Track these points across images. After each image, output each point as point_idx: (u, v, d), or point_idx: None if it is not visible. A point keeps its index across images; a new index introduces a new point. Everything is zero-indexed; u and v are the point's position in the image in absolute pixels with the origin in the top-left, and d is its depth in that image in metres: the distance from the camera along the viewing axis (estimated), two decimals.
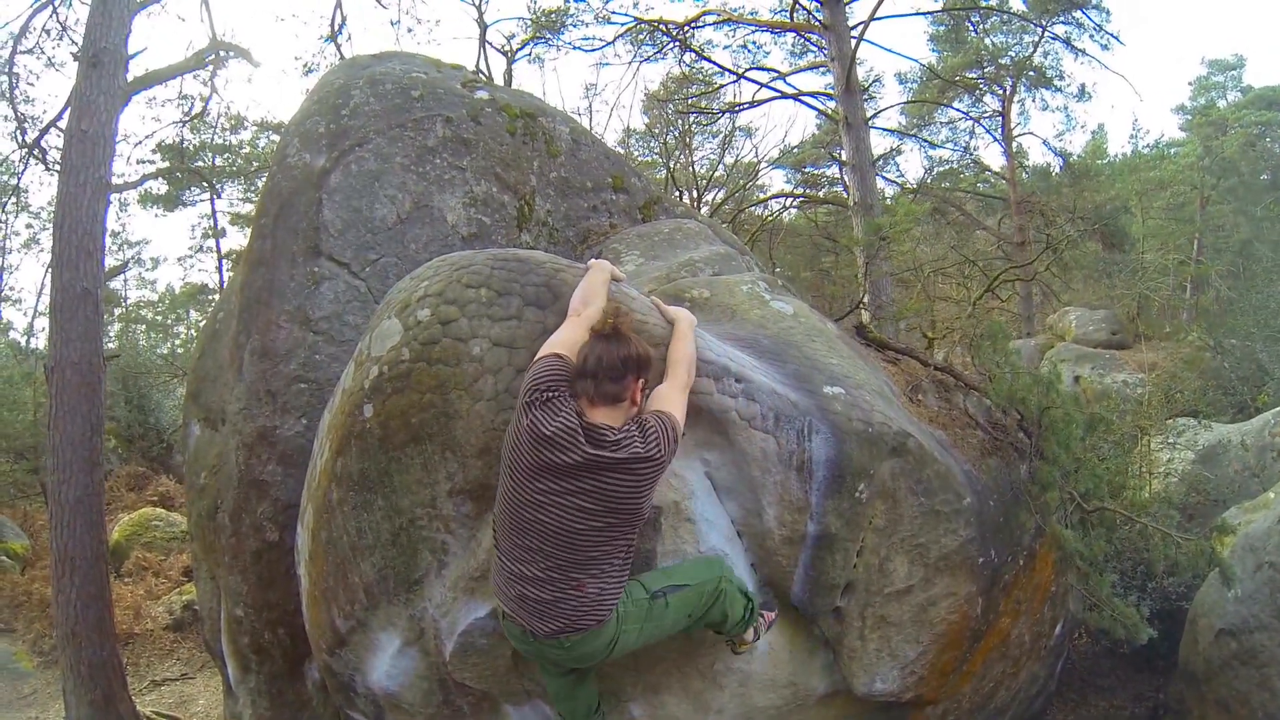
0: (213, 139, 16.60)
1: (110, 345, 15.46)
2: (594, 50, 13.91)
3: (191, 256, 22.72)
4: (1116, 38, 13.37)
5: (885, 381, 3.89)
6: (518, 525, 2.50)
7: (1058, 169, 18.33)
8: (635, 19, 13.18)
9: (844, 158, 12.11)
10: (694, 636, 3.00)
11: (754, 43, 14.13)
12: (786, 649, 3.26)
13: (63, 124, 7.09)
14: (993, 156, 24.15)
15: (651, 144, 18.13)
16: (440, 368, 2.80)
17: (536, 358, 2.59)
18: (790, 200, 17.86)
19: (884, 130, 17.74)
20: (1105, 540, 4.27)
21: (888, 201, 13.92)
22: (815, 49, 13.70)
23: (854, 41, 10.98)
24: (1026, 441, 4.19)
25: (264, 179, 4.40)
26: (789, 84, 13.55)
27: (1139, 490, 5.93)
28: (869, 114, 13.27)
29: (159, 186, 17.58)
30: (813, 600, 3.18)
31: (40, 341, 15.09)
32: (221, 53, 10.92)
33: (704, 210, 13.70)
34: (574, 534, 2.46)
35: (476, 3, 14.27)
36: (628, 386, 2.53)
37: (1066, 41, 14.79)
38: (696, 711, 3.17)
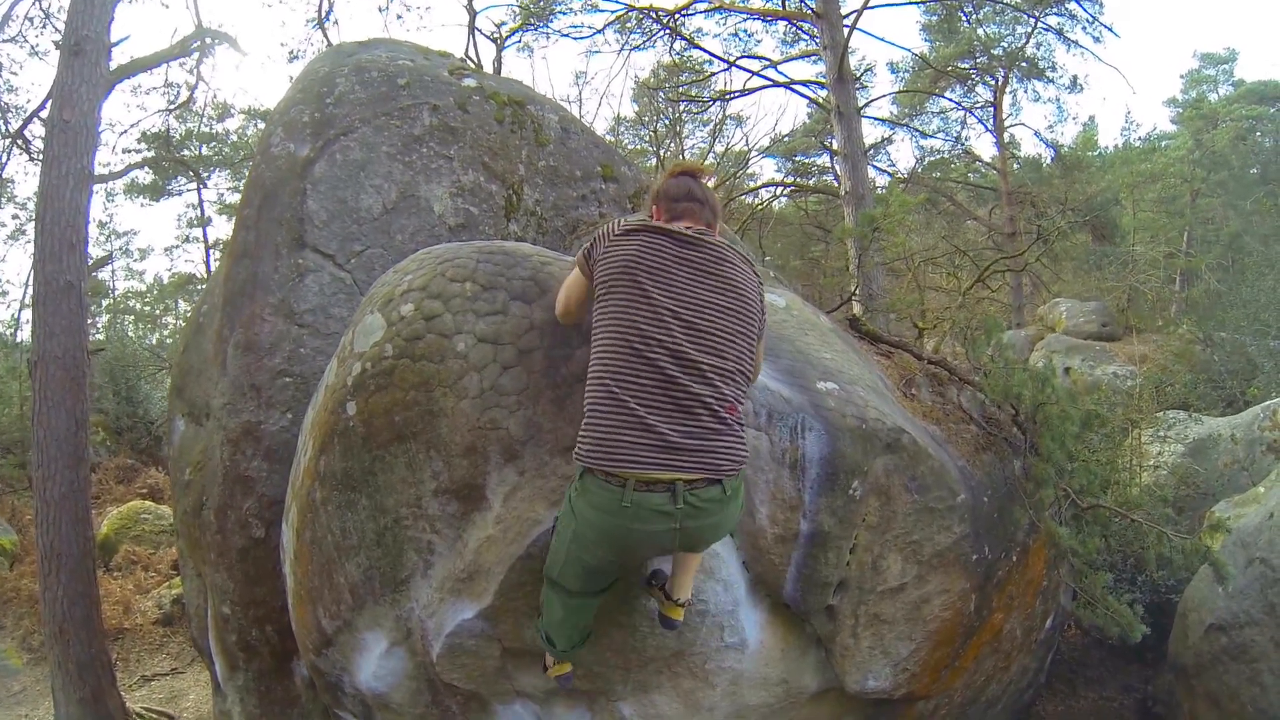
0: (199, 128, 16.44)
1: (98, 337, 15.32)
2: (583, 38, 13.79)
3: (178, 246, 22.62)
4: (1111, 29, 13.34)
5: (879, 376, 3.86)
6: (651, 343, 2.27)
7: (1049, 160, 18.33)
8: (625, 6, 13.03)
9: (835, 147, 12.04)
10: (685, 635, 2.96)
11: (745, 30, 14.04)
12: (779, 647, 3.23)
13: (46, 114, 6.96)
14: (984, 147, 24.16)
15: (641, 132, 18.05)
16: (424, 364, 2.74)
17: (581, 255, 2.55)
18: (781, 189, 17.77)
19: (875, 119, 17.71)
20: (1099, 537, 4.27)
21: (879, 191, 13.89)
22: (807, 37, 13.62)
23: (846, 30, 10.91)
24: (1021, 437, 4.17)
25: (248, 170, 4.33)
26: (780, 72, 13.47)
27: (1129, 485, 5.94)
28: (861, 103, 13.20)
29: (145, 176, 17.41)
30: (805, 598, 3.15)
31: (26, 334, 14.92)
32: (207, 40, 10.79)
33: None
34: (720, 331, 2.33)
35: None
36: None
37: (1059, 32, 14.74)
38: (688, 710, 3.14)
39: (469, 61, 4.98)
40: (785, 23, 13.43)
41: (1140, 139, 24.50)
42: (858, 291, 5.29)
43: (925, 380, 4.24)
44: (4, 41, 10.83)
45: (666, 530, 2.28)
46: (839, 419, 3.10)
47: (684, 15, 13.02)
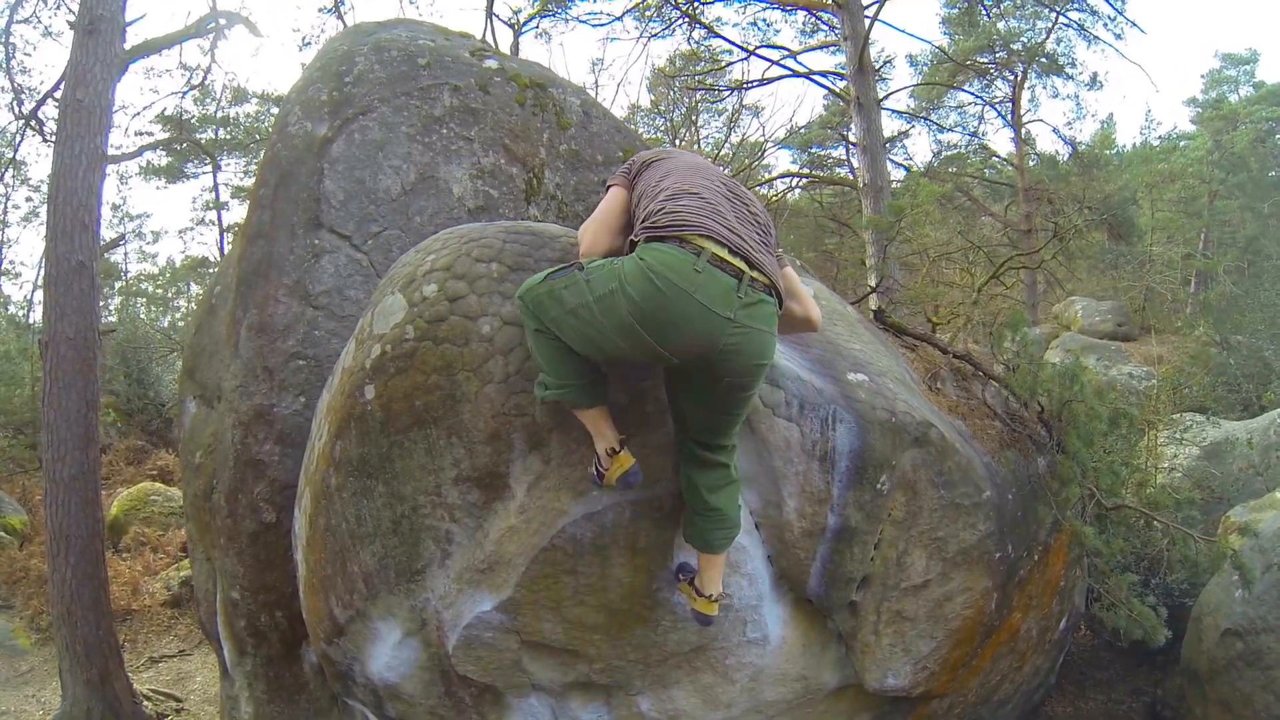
0: (216, 112, 16.40)
1: (110, 319, 15.34)
2: (602, 25, 13.65)
3: (192, 229, 22.66)
4: (1136, 25, 13.08)
5: (906, 368, 3.79)
6: (708, 180, 2.45)
7: (1066, 157, 18.12)
8: None
9: (855, 138, 11.89)
10: (706, 630, 2.91)
11: (764, 20, 13.86)
12: (800, 643, 3.17)
13: (59, 95, 6.92)
14: (1001, 143, 23.95)
15: (657, 121, 17.91)
16: (447, 347, 2.65)
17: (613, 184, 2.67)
18: (797, 180, 17.61)
19: (893, 112, 17.52)
20: (1123, 538, 4.19)
21: (895, 184, 13.73)
22: (826, 28, 13.46)
23: (868, 21, 10.76)
24: (1045, 435, 4.09)
25: (264, 151, 4.27)
26: (800, 63, 13.34)
27: (1146, 486, 5.87)
28: (880, 95, 13.03)
29: (159, 158, 17.39)
30: (829, 594, 3.09)
31: (39, 315, 14.94)
32: (222, 21, 10.72)
33: None
34: (748, 196, 2.51)
35: None
36: None
37: (1080, 28, 14.52)
38: (706, 706, 3.08)
39: (488, 47, 4.91)
40: (805, 12, 13.24)
41: (1159, 138, 24.27)
42: (881, 283, 5.19)
43: (949, 374, 4.16)
44: (18, 23, 10.81)
45: (723, 319, 2.14)
46: (869, 411, 3.02)
47: (703, 3, 12.87)
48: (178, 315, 20.98)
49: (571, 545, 2.70)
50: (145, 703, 6.14)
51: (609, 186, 2.65)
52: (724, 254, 2.18)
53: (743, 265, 2.19)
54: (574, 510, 2.68)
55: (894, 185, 13.35)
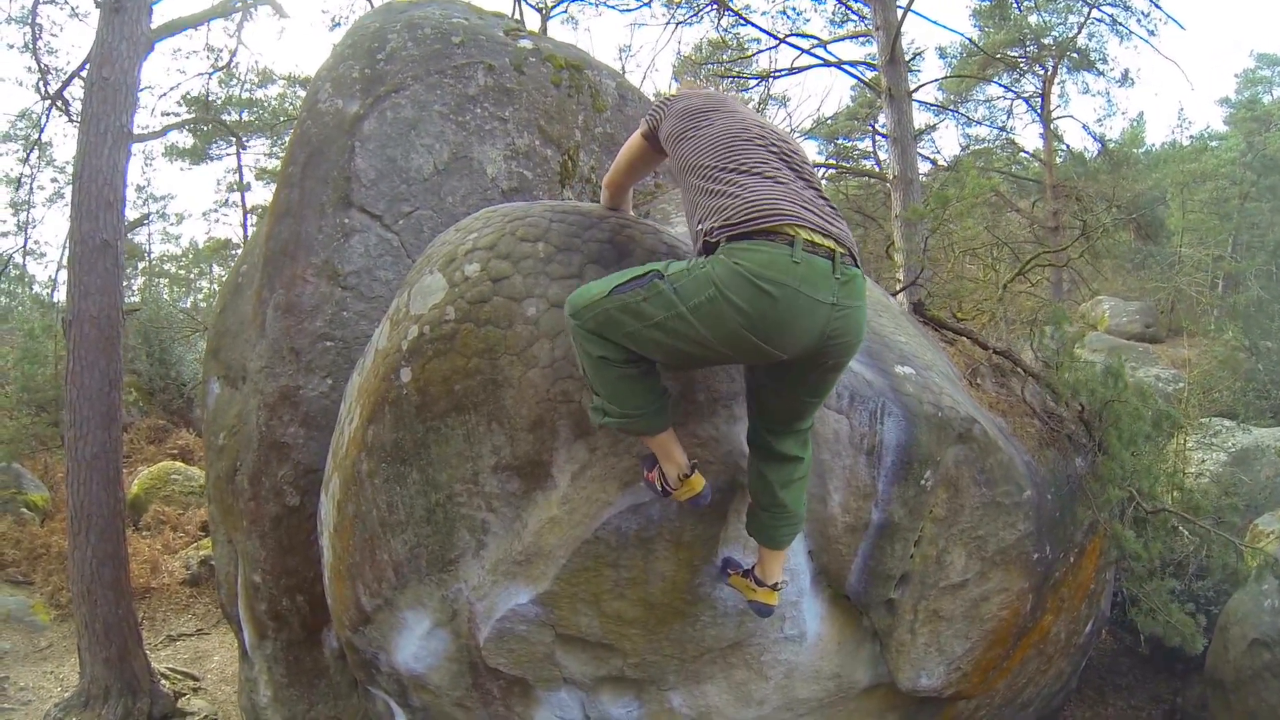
0: (240, 93, 16.37)
1: (133, 299, 15.39)
2: (629, 10, 13.49)
3: (216, 211, 22.70)
4: (1174, 19, 12.82)
5: (948, 363, 3.70)
6: (760, 140, 2.27)
7: (1095, 154, 17.82)
8: None
9: (886, 130, 11.69)
10: (745, 626, 2.83)
11: (794, 8, 13.70)
12: (835, 640, 3.10)
13: (86, 74, 6.89)
14: (1029, 138, 23.62)
15: None
16: (490, 329, 2.55)
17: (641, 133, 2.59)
18: (823, 171, 17.39)
19: (921, 104, 17.24)
20: (1162, 543, 4.11)
21: (924, 177, 13.52)
22: (856, 17, 13.27)
23: (900, 10, 10.54)
24: (1085, 434, 4.00)
25: (292, 130, 4.20)
26: (830, 52, 13.11)
27: (1176, 489, 5.78)
28: (911, 87, 12.81)
29: (184, 140, 17.42)
30: (868, 591, 3.01)
31: (62, 294, 15.00)
32: (248, 1, 10.69)
33: None
34: (797, 148, 2.37)
35: None
36: None
37: (1114, 22, 14.22)
38: (738, 702, 3.01)
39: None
40: (835, 1, 13.07)
41: (1191, 138, 23.81)
42: (920, 276, 5.09)
43: (989, 370, 4.07)
44: (44, 3, 10.81)
45: (826, 306, 2.02)
46: (917, 405, 2.93)
47: None
48: (199, 296, 21.09)
49: (615, 537, 2.61)
50: (163, 681, 6.16)
51: (637, 131, 2.63)
52: (816, 238, 2.04)
53: (833, 244, 2.06)
54: (620, 501, 2.59)
55: (922, 178, 13.15)
